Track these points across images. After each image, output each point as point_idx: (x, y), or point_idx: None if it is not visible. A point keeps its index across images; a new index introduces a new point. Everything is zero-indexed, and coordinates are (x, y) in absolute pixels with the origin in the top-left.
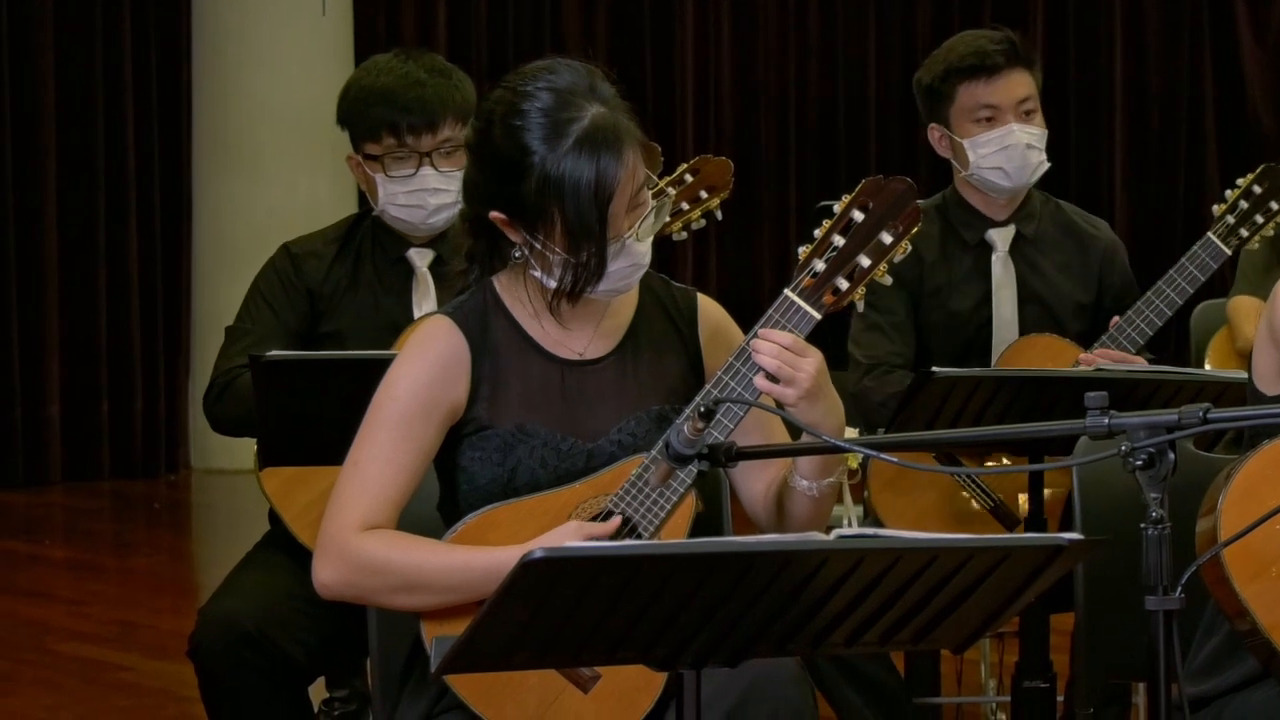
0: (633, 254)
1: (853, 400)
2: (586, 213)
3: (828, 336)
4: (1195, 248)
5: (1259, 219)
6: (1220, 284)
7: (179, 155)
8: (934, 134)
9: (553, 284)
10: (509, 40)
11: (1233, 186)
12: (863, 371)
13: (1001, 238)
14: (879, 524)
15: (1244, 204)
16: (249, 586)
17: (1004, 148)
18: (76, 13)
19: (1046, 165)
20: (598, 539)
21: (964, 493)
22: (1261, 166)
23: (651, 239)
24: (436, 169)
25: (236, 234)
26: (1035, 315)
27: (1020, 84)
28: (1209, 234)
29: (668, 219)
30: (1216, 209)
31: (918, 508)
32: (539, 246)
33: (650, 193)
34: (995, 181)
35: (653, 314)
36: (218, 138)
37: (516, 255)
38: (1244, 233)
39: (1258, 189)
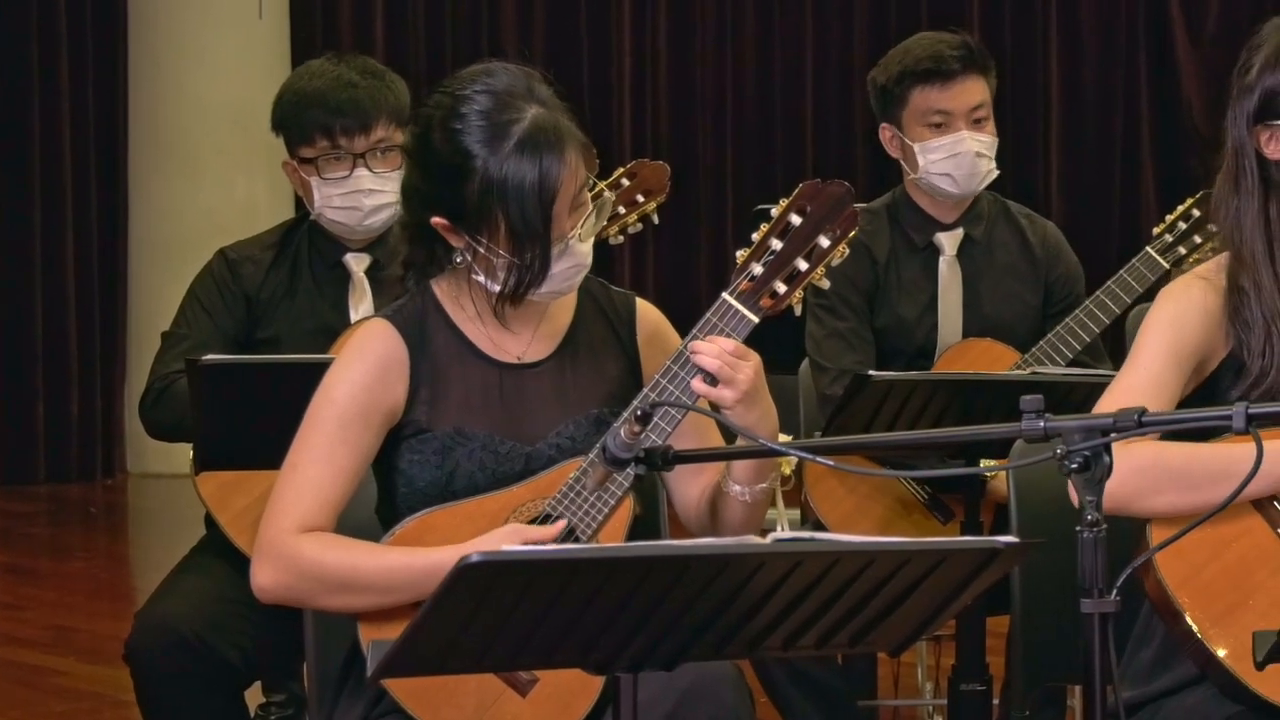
0: (575, 254)
1: (820, 403)
2: (530, 214)
3: (770, 340)
4: (1134, 261)
5: (1197, 239)
6: (1157, 288)
7: (115, 157)
8: (885, 133)
9: (496, 287)
10: (446, 44)
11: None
12: (831, 378)
13: (949, 241)
14: (817, 523)
15: (1182, 225)
16: (185, 591)
17: (954, 155)
18: (12, 13)
19: (995, 173)
20: (535, 543)
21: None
22: (1200, 193)
23: (592, 240)
24: (371, 170)
25: (173, 236)
26: (981, 319)
27: (974, 91)
28: (1147, 249)
29: (606, 222)
30: (1156, 230)
31: (856, 495)
32: (482, 250)
33: (589, 194)
34: (943, 187)
35: (591, 318)
36: (155, 140)
37: (458, 260)
38: (1181, 250)
39: (1196, 212)
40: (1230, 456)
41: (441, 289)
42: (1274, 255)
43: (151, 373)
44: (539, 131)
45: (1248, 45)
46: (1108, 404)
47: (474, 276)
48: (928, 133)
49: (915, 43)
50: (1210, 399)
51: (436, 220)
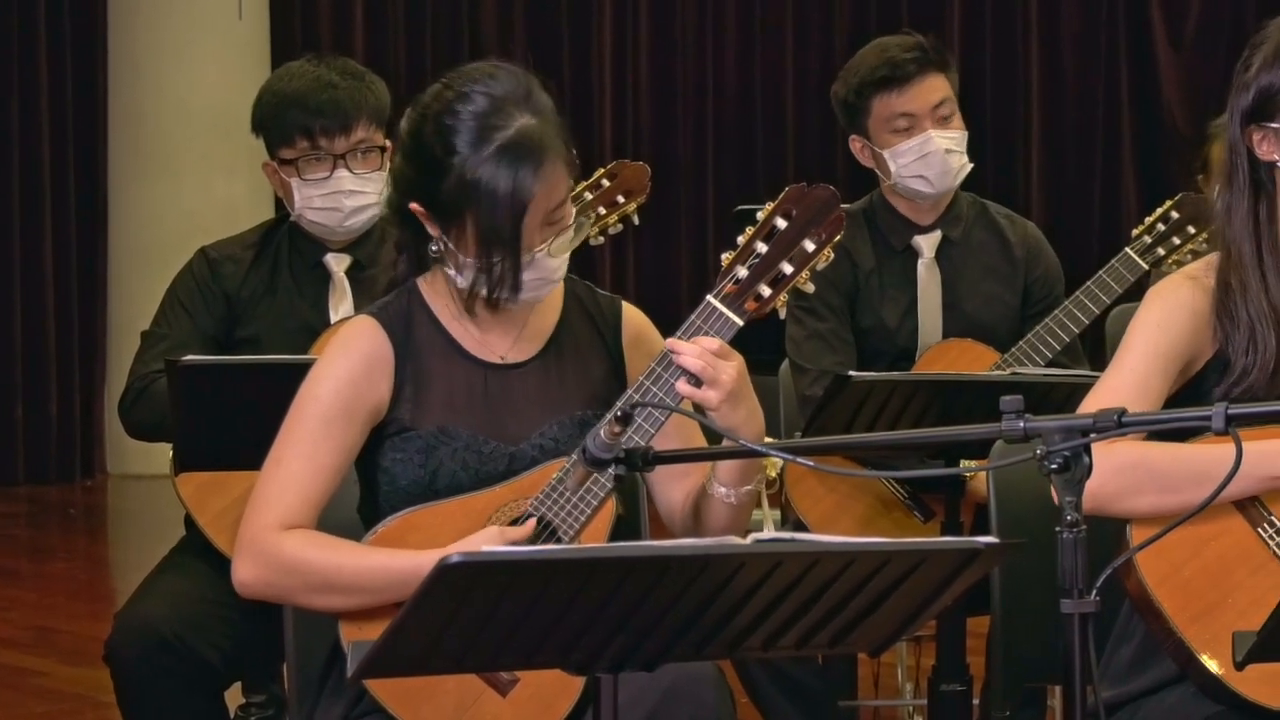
0: (543, 268)
1: (800, 405)
2: (499, 221)
3: (751, 341)
4: (1113, 262)
5: (1176, 240)
6: (1137, 290)
7: (95, 158)
8: (855, 145)
9: (463, 284)
10: (426, 44)
11: (1159, 209)
12: (811, 379)
13: (928, 243)
14: (798, 522)
15: (1161, 226)
16: (165, 591)
17: (923, 155)
18: None
19: (969, 167)
20: (516, 543)
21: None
22: (1180, 195)
23: (567, 255)
24: (351, 171)
25: (153, 237)
26: (961, 321)
27: (935, 89)
28: (1126, 250)
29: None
30: (1135, 231)
31: (836, 494)
32: (451, 246)
33: (574, 209)
34: (918, 189)
35: (577, 320)
36: (134, 141)
37: (434, 250)
38: (1160, 252)
39: (1175, 214)
40: (1212, 458)
41: (427, 287)
42: (1262, 257)
43: (131, 373)
44: (521, 142)
45: (1251, 41)
46: (1092, 404)
47: (445, 269)
48: (895, 138)
49: (869, 51)
50: (1196, 398)
51: (414, 206)
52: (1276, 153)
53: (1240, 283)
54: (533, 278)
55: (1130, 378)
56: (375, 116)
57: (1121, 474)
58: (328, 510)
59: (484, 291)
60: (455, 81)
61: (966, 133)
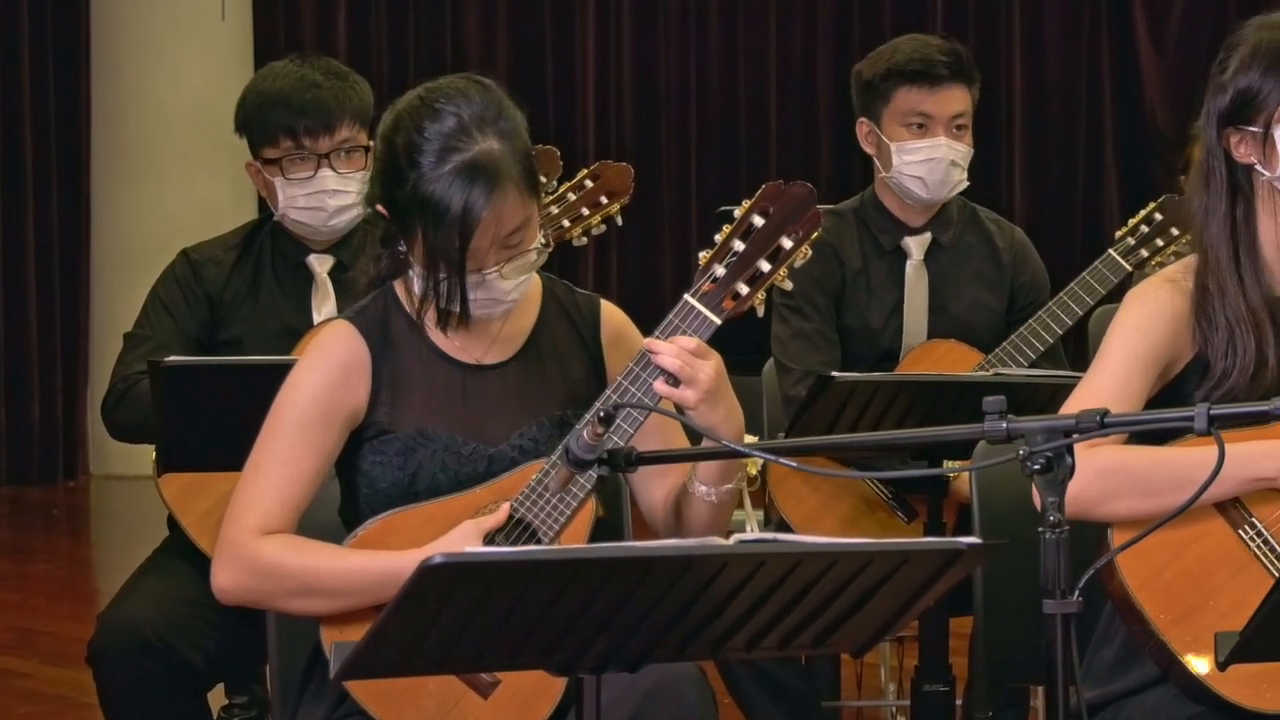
0: (492, 289)
1: (784, 404)
2: (446, 240)
3: (733, 340)
4: (1096, 264)
5: (1159, 242)
6: (1120, 292)
7: (78, 159)
8: (862, 128)
9: (418, 293)
10: (409, 45)
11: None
12: (795, 379)
13: (917, 245)
14: (781, 522)
15: (1144, 228)
16: (148, 592)
17: (929, 160)
18: None
19: (965, 184)
20: (491, 530)
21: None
22: (1163, 197)
23: (524, 279)
24: (335, 171)
25: (136, 239)
26: (946, 324)
27: (958, 99)
28: (1109, 251)
29: (571, 220)
30: (1118, 232)
31: (820, 495)
32: (405, 253)
33: (537, 235)
34: (912, 190)
35: (555, 320)
36: (117, 142)
37: (401, 248)
38: (1144, 253)
39: (1158, 216)
40: (1192, 461)
41: (404, 290)
42: (1239, 259)
43: (114, 374)
44: (477, 166)
45: (1227, 43)
46: (1073, 407)
47: (410, 270)
48: (906, 134)
49: (905, 42)
50: (1176, 400)
51: (379, 206)
52: (1254, 155)
53: (1218, 286)
54: (483, 297)
55: (1110, 381)
56: (359, 116)
57: (1102, 478)
58: (308, 513)
59: (437, 304)
60: (430, 96)
61: (972, 150)
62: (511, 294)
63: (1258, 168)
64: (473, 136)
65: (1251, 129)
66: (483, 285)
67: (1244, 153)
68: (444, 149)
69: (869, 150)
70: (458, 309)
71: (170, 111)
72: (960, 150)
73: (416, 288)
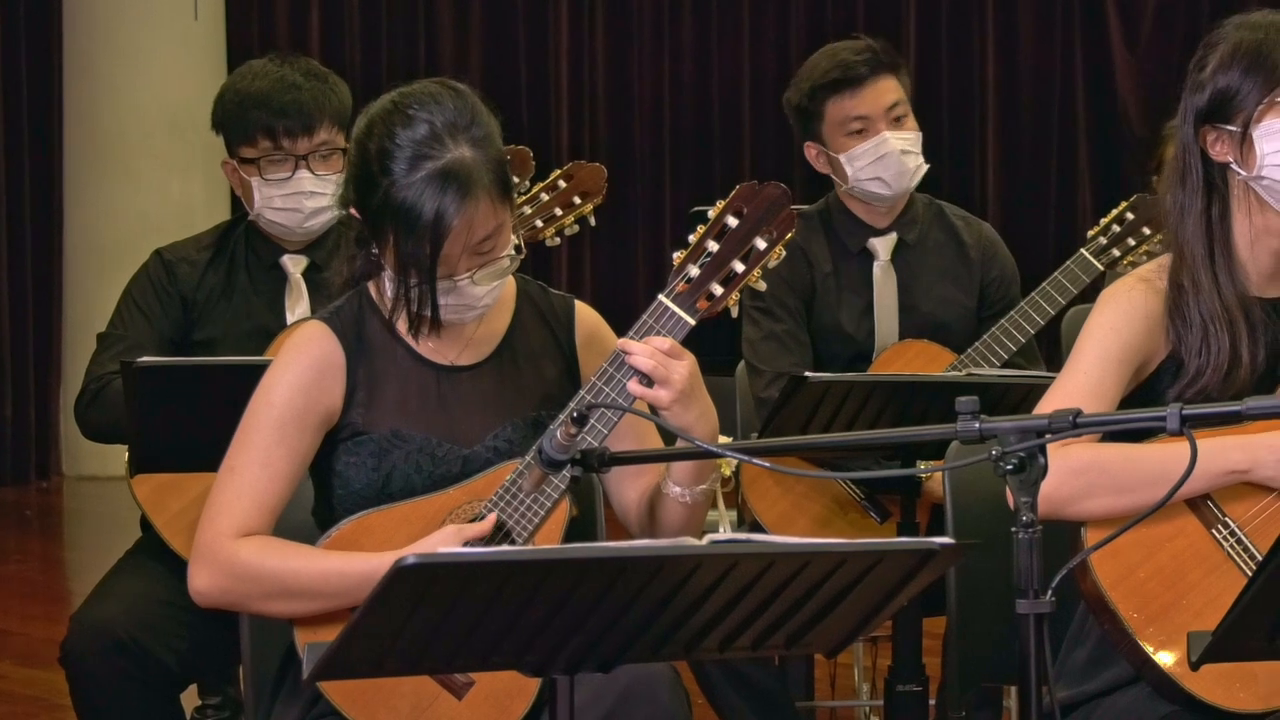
0: (464, 295)
1: (756, 406)
2: (417, 247)
3: (706, 341)
4: (1068, 263)
5: (1131, 241)
6: (1093, 291)
7: (51, 158)
8: (810, 152)
9: (389, 297)
10: (382, 45)
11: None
12: (766, 381)
13: (884, 246)
14: (755, 523)
15: (1117, 228)
16: (121, 593)
17: (879, 157)
18: None
19: (925, 167)
20: (474, 540)
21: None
22: (1135, 197)
23: (496, 285)
24: (312, 172)
25: (109, 238)
26: (917, 322)
27: (887, 90)
28: (1082, 251)
29: (544, 221)
30: (1091, 232)
31: (793, 495)
32: (377, 257)
33: (510, 239)
34: (876, 191)
35: (529, 321)
36: (90, 141)
37: (373, 252)
38: (1116, 253)
39: (1130, 215)
40: (1164, 457)
41: (378, 291)
42: (1214, 258)
43: (87, 374)
44: (449, 173)
45: (1205, 40)
46: (1047, 408)
47: (382, 274)
48: (850, 141)
49: (819, 57)
50: (1150, 399)
51: (351, 210)
52: (1231, 154)
53: (1193, 283)
54: (454, 303)
55: (1084, 381)
56: (337, 118)
57: (1075, 477)
58: (282, 514)
59: (408, 310)
60: (403, 102)
61: (921, 134)
62: (483, 300)
63: (1234, 166)
64: (445, 144)
65: (1229, 128)
66: (454, 291)
67: (1220, 151)
68: (416, 156)
69: (823, 170)
70: (429, 314)
71: (143, 110)
72: (907, 137)
73: (388, 292)
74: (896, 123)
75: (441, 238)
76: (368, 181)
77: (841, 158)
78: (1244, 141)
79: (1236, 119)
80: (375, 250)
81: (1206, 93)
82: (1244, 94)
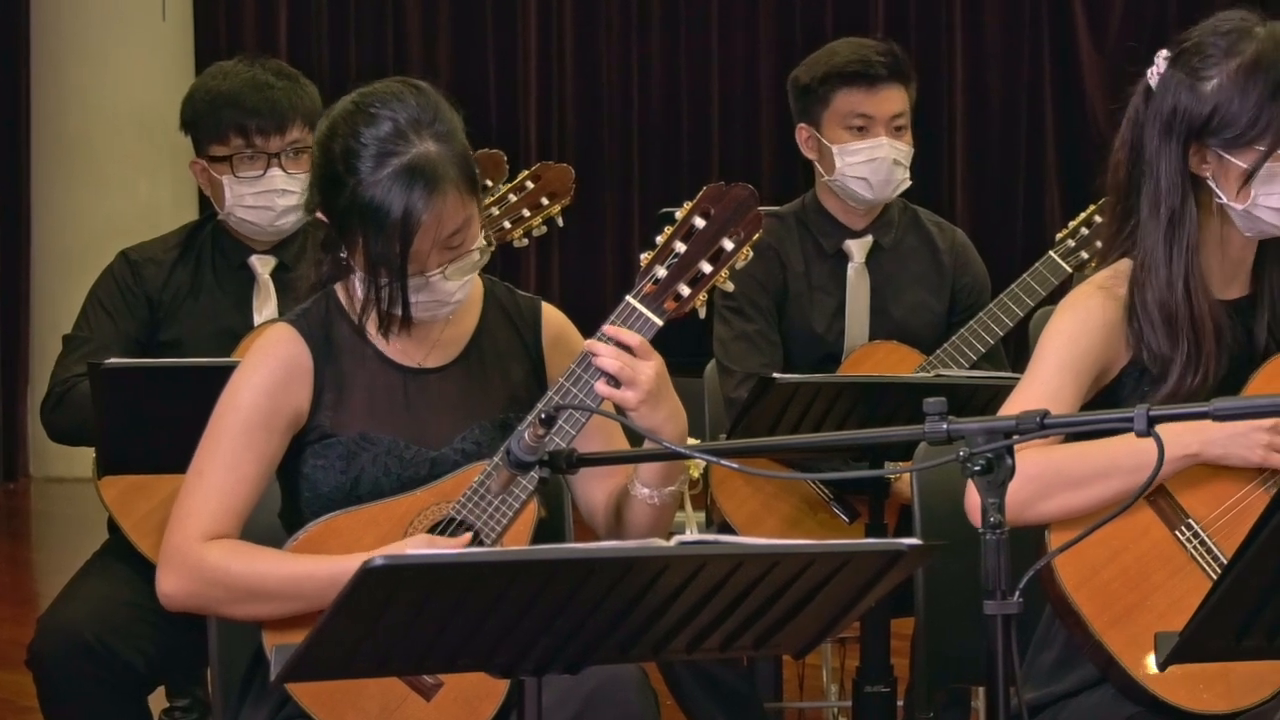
0: (436, 291)
1: (726, 406)
2: (387, 244)
3: (675, 341)
4: (1037, 265)
5: (1099, 244)
6: (1061, 293)
7: (17, 160)
8: (802, 134)
9: (360, 298)
10: (350, 46)
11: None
12: (736, 381)
13: (859, 248)
14: (724, 524)
15: (1084, 230)
16: (88, 595)
17: (872, 160)
18: None
19: (908, 183)
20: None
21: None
22: (1103, 199)
23: (468, 280)
24: (284, 171)
25: (76, 240)
26: (888, 327)
27: (896, 99)
28: (1050, 253)
29: (512, 222)
30: (1059, 234)
31: (761, 496)
32: (347, 260)
33: (479, 233)
34: (857, 191)
35: (496, 322)
36: (57, 143)
37: (343, 255)
38: (1084, 255)
39: (1099, 218)
40: (1113, 449)
41: (345, 294)
42: (1174, 263)
43: (53, 376)
44: (415, 169)
45: (1196, 45)
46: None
47: (352, 276)
48: (848, 135)
49: (842, 45)
50: (1111, 406)
51: (318, 214)
52: (1211, 169)
53: (1155, 289)
54: (426, 299)
55: (1042, 390)
56: (309, 118)
57: (1030, 482)
58: (249, 516)
59: (377, 308)
60: (364, 101)
61: (914, 150)
62: (456, 295)
63: (1211, 184)
64: (409, 140)
65: (1228, 156)
66: (426, 288)
67: (1200, 164)
68: (381, 153)
69: (810, 155)
70: (399, 313)
71: (111, 112)
72: (902, 149)
73: (359, 293)
74: (896, 132)
75: (411, 234)
76: (334, 182)
77: (834, 149)
78: (1235, 170)
79: (1244, 152)
80: (344, 254)
81: (1208, 106)
82: (1261, 123)
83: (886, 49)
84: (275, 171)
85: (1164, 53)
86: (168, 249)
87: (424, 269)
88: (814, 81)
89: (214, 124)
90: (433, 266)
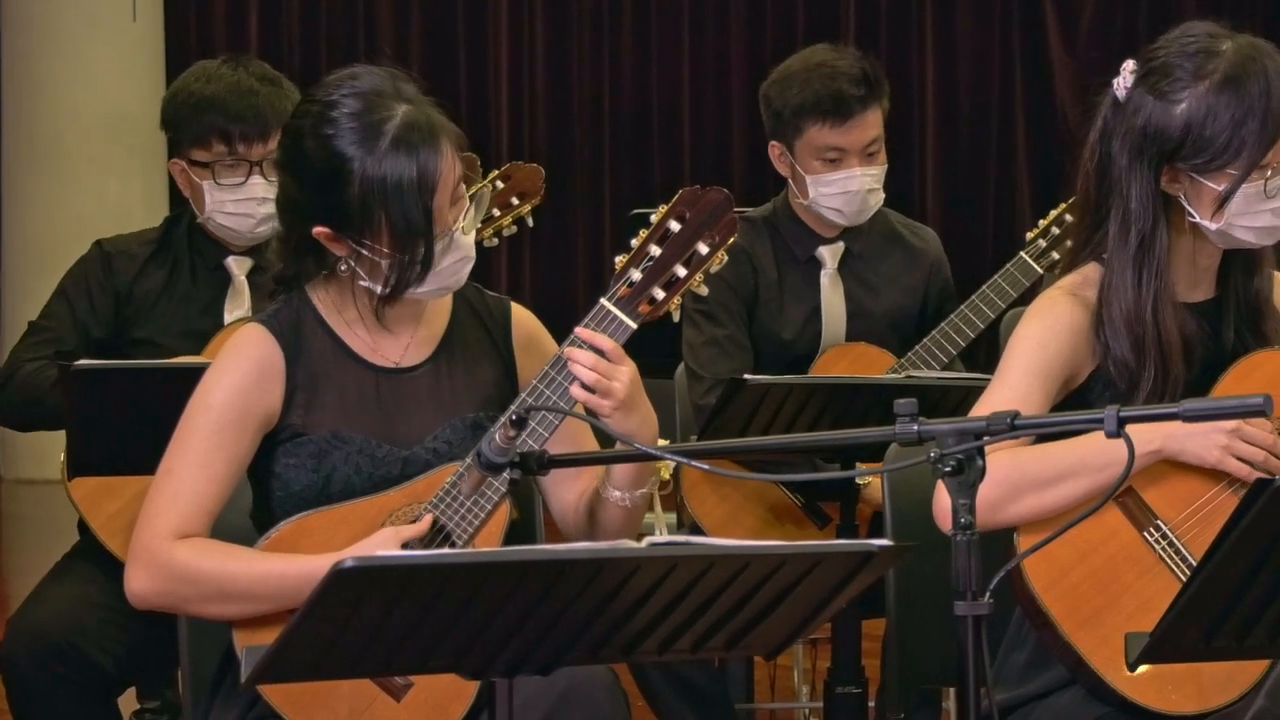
0: (461, 247)
1: (695, 413)
2: (412, 210)
3: (647, 343)
4: (1008, 266)
5: (1070, 244)
6: (1031, 293)
7: None
8: (774, 150)
9: (379, 289)
10: (321, 48)
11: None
12: (706, 387)
13: (831, 254)
14: (695, 527)
15: (1055, 230)
16: (58, 597)
17: (844, 192)
18: None
19: (881, 200)
20: (412, 540)
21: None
22: (1073, 199)
23: (474, 234)
24: (265, 178)
25: (47, 239)
26: (864, 330)
27: (871, 125)
28: (1021, 254)
29: (483, 217)
30: (1029, 235)
31: (730, 502)
32: (367, 253)
33: (465, 191)
34: (831, 219)
35: (467, 322)
36: (28, 142)
37: (343, 269)
38: (1055, 255)
39: (1069, 218)
40: (1077, 448)
41: (319, 295)
42: (1143, 269)
43: (6, 360)
44: (412, 127)
45: (1171, 61)
46: None
47: (359, 283)
48: (821, 166)
49: (815, 72)
50: (1081, 409)
51: (319, 230)
52: (1184, 189)
53: (1122, 293)
54: (453, 259)
55: (1009, 396)
56: None
57: (997, 485)
58: (220, 515)
59: (400, 285)
60: (319, 93)
61: (887, 165)
62: (472, 248)
63: (1184, 203)
64: (388, 105)
65: (1201, 179)
66: (451, 247)
67: (1173, 184)
68: (366, 127)
69: (783, 172)
70: (425, 281)
71: (82, 112)
72: (874, 173)
73: (378, 285)
74: (870, 158)
75: (431, 192)
76: (330, 182)
77: (808, 179)
78: (1206, 192)
79: (1217, 176)
80: (352, 258)
81: (1178, 130)
82: (1234, 148)
83: (859, 72)
84: (256, 179)
85: (1131, 65)
86: (143, 243)
87: (446, 227)
88: (786, 110)
89: (196, 128)
90: (451, 222)
